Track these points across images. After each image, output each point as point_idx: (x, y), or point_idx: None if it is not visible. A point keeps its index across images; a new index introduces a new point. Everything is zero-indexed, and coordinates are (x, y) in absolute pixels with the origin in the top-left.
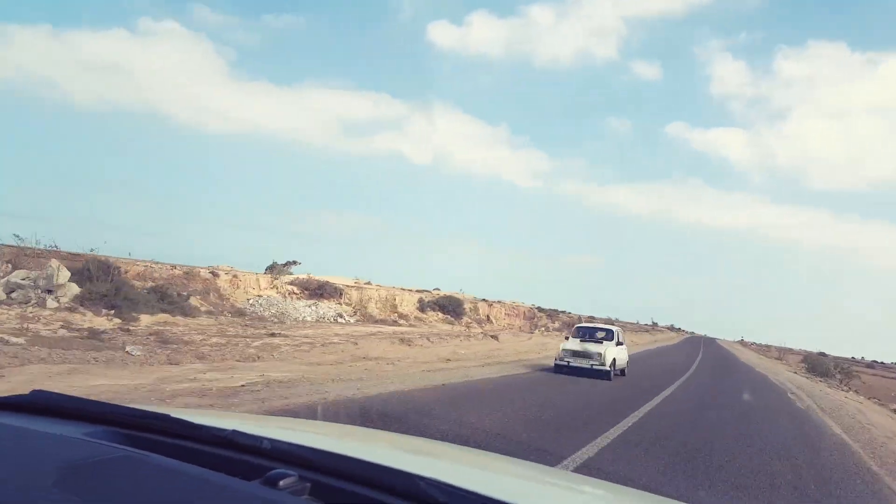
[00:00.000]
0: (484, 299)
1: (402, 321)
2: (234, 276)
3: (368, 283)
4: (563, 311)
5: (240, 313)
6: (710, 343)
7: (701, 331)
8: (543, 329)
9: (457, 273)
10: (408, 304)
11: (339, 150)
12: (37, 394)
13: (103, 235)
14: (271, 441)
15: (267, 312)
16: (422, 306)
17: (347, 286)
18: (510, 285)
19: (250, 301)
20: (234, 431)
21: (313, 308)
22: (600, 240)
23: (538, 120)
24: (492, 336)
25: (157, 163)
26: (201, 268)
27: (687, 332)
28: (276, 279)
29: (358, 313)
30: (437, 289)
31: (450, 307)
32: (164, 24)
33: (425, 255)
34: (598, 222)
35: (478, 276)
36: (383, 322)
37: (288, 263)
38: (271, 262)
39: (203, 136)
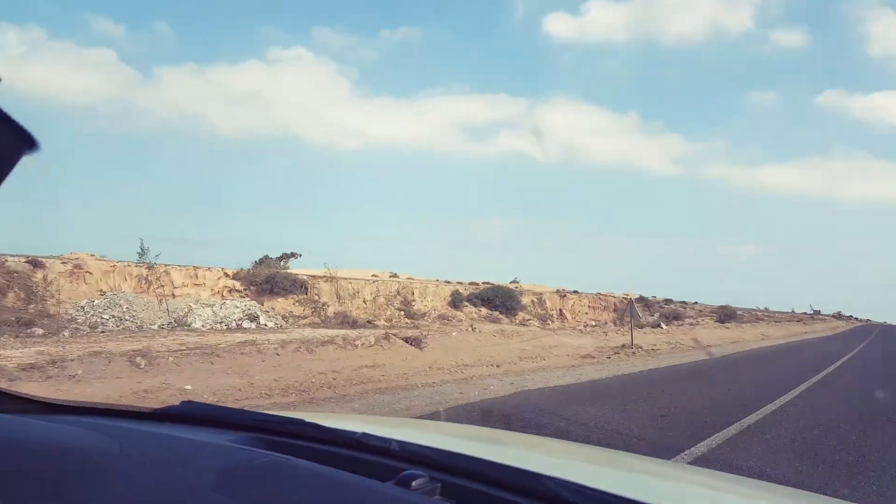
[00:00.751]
0: (558, 290)
1: (407, 322)
2: (78, 266)
3: (394, 275)
4: (674, 301)
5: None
6: (889, 333)
7: (880, 318)
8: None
9: (599, 271)
10: (433, 299)
11: (462, 153)
12: (187, 405)
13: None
14: (399, 443)
15: (109, 315)
16: (455, 301)
17: (314, 277)
18: (651, 278)
19: (89, 303)
20: (364, 434)
21: (216, 309)
22: (754, 225)
23: (671, 103)
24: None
25: (298, 182)
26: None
27: (858, 321)
28: (197, 273)
29: (317, 314)
30: (487, 282)
31: (498, 301)
32: (292, 51)
33: (563, 256)
34: (750, 207)
35: (619, 272)
36: (354, 325)
37: (285, 256)
38: (262, 257)
39: (336, 153)
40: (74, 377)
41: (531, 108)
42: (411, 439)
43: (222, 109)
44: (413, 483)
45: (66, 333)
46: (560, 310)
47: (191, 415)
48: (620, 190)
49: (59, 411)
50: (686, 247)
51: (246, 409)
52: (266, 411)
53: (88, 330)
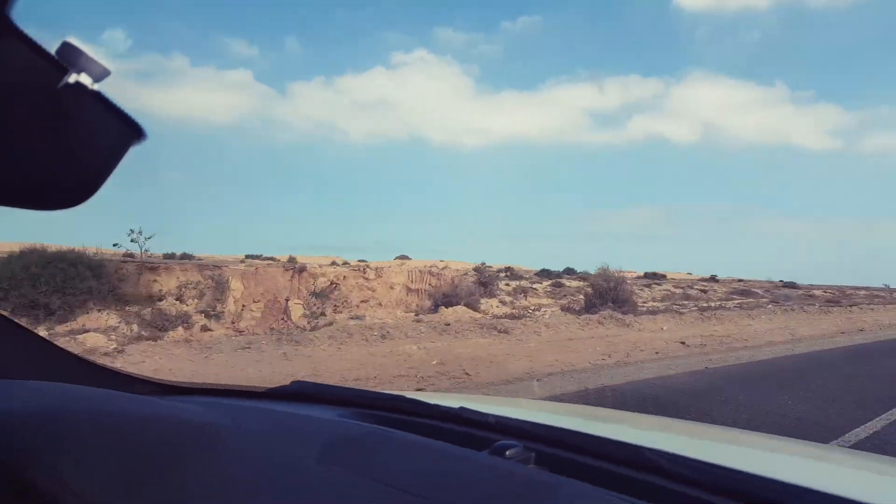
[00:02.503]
0: (565, 271)
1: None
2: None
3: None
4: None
5: None
6: None
7: None
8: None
9: (747, 256)
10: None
11: (593, 143)
12: (296, 384)
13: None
14: (496, 417)
15: None
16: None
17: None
18: (804, 262)
19: None
20: (462, 408)
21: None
22: None
23: (823, 70)
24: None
25: (427, 183)
26: None
27: None
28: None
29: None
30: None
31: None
32: (414, 54)
33: (706, 242)
34: None
35: (768, 257)
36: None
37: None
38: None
39: (460, 152)
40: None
41: (666, 87)
42: (509, 414)
43: (352, 117)
44: (507, 452)
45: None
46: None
47: (301, 392)
48: (769, 168)
49: (176, 392)
50: (845, 227)
51: (352, 388)
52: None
53: None
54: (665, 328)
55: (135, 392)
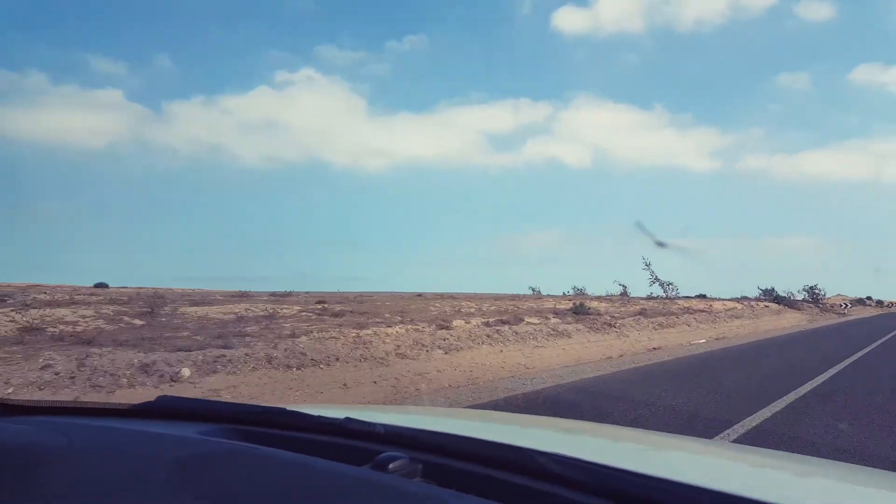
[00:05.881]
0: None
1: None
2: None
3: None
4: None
5: None
6: None
7: None
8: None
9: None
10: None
11: (494, 165)
12: (162, 399)
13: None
14: (384, 426)
15: None
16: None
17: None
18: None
19: None
20: (348, 419)
21: None
22: (804, 215)
23: (698, 93)
24: None
25: (331, 207)
26: None
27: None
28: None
29: None
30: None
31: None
32: (300, 73)
33: (604, 263)
34: (798, 196)
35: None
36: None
37: None
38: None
39: (364, 175)
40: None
41: (555, 111)
42: (401, 423)
43: (241, 139)
44: (391, 465)
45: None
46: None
47: (166, 408)
48: (659, 190)
49: (18, 412)
50: (731, 244)
51: (227, 400)
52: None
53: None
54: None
55: None
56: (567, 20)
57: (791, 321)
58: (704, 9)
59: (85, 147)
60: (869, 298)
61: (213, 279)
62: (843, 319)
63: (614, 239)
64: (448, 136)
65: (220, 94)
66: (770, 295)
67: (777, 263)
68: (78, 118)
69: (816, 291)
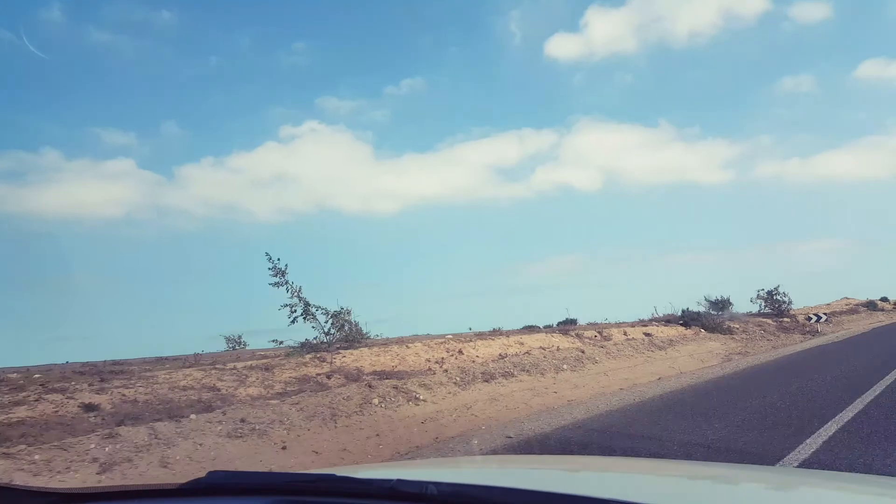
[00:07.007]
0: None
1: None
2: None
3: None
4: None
5: None
6: None
7: None
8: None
9: (662, 295)
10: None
11: (504, 197)
12: (212, 475)
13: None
14: (437, 485)
15: None
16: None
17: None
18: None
19: None
20: (399, 480)
21: None
22: (829, 218)
23: (702, 106)
24: None
25: (344, 253)
26: None
27: None
28: None
29: None
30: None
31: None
32: (304, 126)
33: (624, 284)
34: (816, 199)
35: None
36: None
37: None
38: None
39: (376, 219)
40: None
41: (560, 137)
42: (449, 479)
43: (254, 196)
44: None
45: None
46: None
47: (216, 485)
48: (673, 206)
49: (75, 500)
50: (754, 252)
51: (275, 471)
52: None
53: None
54: None
55: None
56: (560, 47)
57: (689, 360)
58: (696, 22)
59: (102, 216)
60: (885, 300)
61: (246, 332)
62: (803, 346)
63: (636, 259)
64: (455, 172)
65: (228, 154)
66: (691, 314)
67: (803, 269)
68: (92, 190)
69: (778, 298)
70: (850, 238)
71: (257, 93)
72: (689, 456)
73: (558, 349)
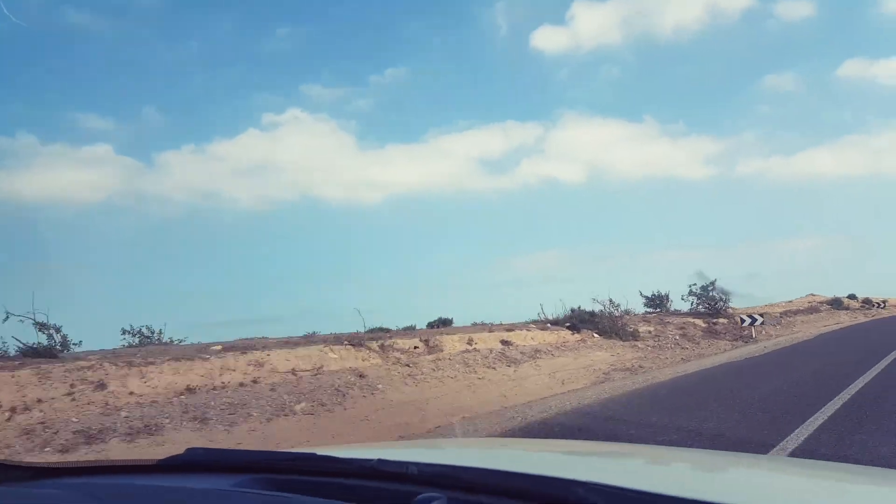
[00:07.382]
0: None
1: None
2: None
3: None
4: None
5: None
6: None
7: None
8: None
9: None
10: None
11: (490, 189)
12: (190, 452)
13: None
14: (418, 465)
15: None
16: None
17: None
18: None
19: None
20: (380, 460)
21: None
22: (810, 216)
23: (687, 101)
24: None
25: (330, 243)
26: None
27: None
28: None
29: None
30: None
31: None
32: (287, 113)
33: (611, 278)
34: (799, 196)
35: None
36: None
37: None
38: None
39: (361, 208)
40: None
41: (545, 130)
42: (431, 460)
43: (237, 183)
44: None
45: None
46: None
47: (195, 461)
48: (658, 200)
49: (48, 474)
50: (737, 249)
51: (254, 449)
52: None
53: None
54: None
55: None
56: (546, 40)
57: (544, 381)
58: (682, 17)
59: (79, 202)
60: (852, 297)
61: (218, 324)
62: (722, 357)
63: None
64: (440, 163)
65: (209, 141)
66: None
67: (784, 266)
68: (69, 175)
69: (714, 295)
70: (829, 235)
71: (239, 79)
72: None
73: (317, 373)
